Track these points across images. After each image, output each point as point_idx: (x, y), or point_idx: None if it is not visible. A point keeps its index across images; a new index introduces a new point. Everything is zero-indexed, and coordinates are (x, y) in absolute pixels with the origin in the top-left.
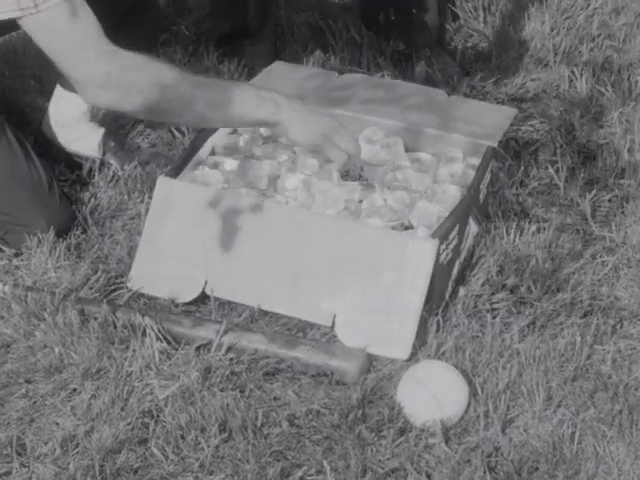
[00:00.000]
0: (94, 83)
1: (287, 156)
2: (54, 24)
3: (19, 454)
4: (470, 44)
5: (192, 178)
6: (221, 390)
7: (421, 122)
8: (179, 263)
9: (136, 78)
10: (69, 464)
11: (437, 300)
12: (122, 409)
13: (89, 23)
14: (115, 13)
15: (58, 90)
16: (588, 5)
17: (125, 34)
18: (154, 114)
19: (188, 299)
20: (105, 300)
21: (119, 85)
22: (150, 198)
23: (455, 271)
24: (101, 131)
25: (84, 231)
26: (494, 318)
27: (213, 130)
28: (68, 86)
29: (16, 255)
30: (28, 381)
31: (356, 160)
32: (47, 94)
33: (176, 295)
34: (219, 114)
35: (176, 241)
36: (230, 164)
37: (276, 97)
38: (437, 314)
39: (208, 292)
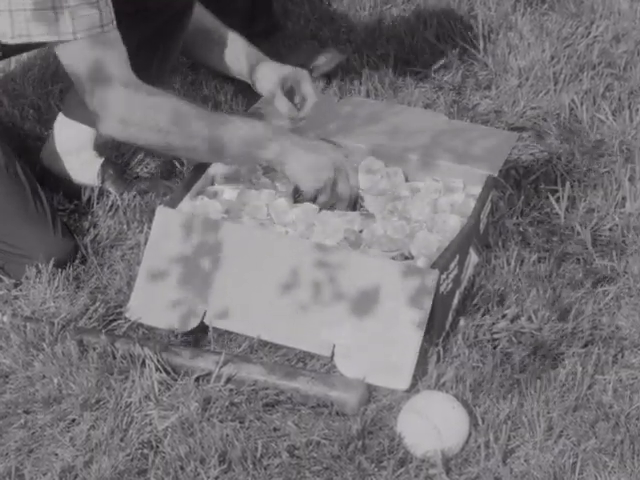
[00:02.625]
0: (115, 117)
1: (286, 187)
2: (87, 53)
3: None
4: (470, 72)
5: (191, 208)
6: (221, 421)
7: (421, 151)
8: (178, 293)
9: (156, 117)
10: None
11: (437, 330)
12: (121, 440)
13: (120, 56)
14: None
15: (60, 118)
16: (589, 33)
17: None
18: (168, 151)
19: (187, 330)
20: (104, 330)
21: (139, 122)
22: (149, 228)
23: (455, 301)
24: (101, 160)
25: (83, 261)
26: (495, 348)
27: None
28: (71, 114)
29: (15, 285)
30: (27, 412)
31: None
32: (46, 123)
33: (175, 325)
34: (229, 153)
35: (175, 271)
36: (229, 194)
37: (282, 140)
38: (437, 344)
39: (207, 323)
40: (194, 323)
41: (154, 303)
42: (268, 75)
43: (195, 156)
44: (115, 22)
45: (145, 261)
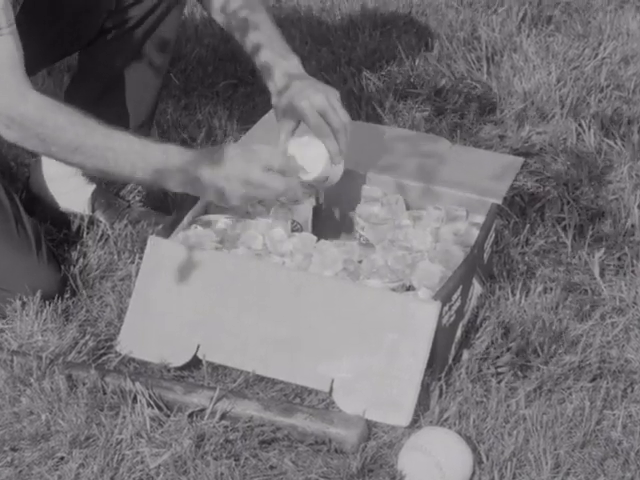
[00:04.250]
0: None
1: (282, 216)
2: None
3: None
4: (473, 96)
5: (184, 238)
6: (215, 459)
7: (423, 177)
8: (170, 326)
9: (37, 130)
10: None
11: (440, 364)
12: (112, 479)
13: (7, 62)
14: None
15: None
16: (596, 55)
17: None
18: (59, 161)
19: (180, 364)
20: (94, 365)
21: (20, 129)
22: (141, 258)
23: (458, 334)
24: (91, 187)
25: (72, 293)
26: (499, 382)
27: None
28: None
29: (1, 317)
30: (14, 449)
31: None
32: None
33: (167, 359)
34: (120, 175)
35: (167, 303)
36: (224, 223)
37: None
38: (440, 378)
39: (201, 356)
40: (187, 357)
41: (146, 336)
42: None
43: (86, 171)
44: (14, 26)
45: (136, 293)
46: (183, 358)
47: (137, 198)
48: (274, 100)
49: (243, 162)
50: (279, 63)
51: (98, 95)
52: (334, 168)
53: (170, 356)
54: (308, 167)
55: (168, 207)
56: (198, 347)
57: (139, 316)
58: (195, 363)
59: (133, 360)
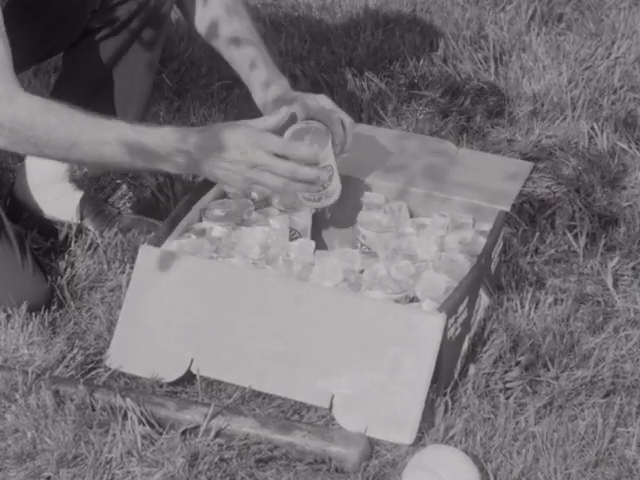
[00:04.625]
0: None
1: (281, 224)
2: None
3: None
4: (480, 98)
5: (178, 247)
6: (209, 478)
7: (427, 183)
8: (163, 339)
9: (28, 134)
10: None
11: (445, 379)
12: None
13: None
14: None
15: None
16: (609, 54)
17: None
18: (54, 159)
19: (173, 379)
20: (82, 380)
21: (11, 134)
22: (132, 268)
23: (465, 347)
24: (79, 194)
25: (60, 304)
26: (507, 398)
27: (200, 194)
28: None
29: None
30: None
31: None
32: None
33: (160, 374)
34: (116, 165)
35: (160, 315)
36: (219, 231)
37: (186, 148)
38: (445, 394)
39: (194, 371)
40: (180, 372)
41: (137, 350)
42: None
43: (87, 166)
44: (3, 29)
45: (127, 304)
46: (176, 373)
47: (128, 205)
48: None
49: (248, 144)
50: (274, 81)
51: (83, 99)
52: (336, 167)
53: (162, 371)
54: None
55: (160, 214)
56: (192, 361)
57: (130, 329)
58: (189, 378)
59: (123, 375)
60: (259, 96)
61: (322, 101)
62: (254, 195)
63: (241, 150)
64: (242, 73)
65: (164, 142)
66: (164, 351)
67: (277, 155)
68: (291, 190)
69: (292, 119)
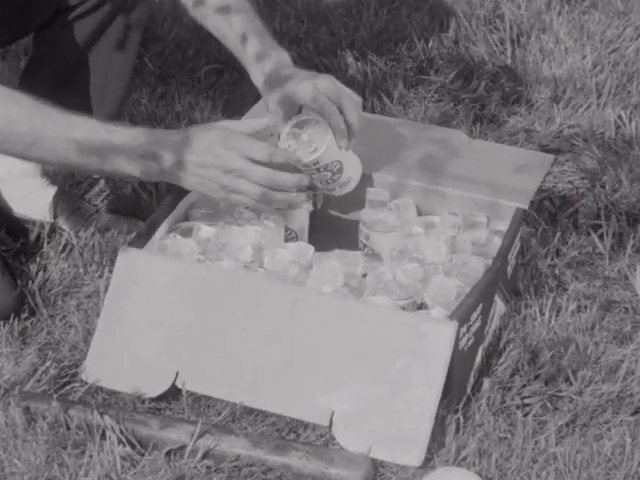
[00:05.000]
0: None
1: (276, 223)
2: None
3: None
4: (496, 83)
5: (161, 248)
6: None
7: (437, 178)
8: (145, 350)
9: None
10: None
11: (457, 394)
12: None
13: None
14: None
15: None
16: (638, 35)
17: None
18: (15, 156)
19: (156, 394)
20: (56, 395)
21: None
22: (110, 272)
23: (478, 359)
24: (52, 190)
25: (31, 312)
26: (526, 416)
27: (187, 191)
28: None
29: None
30: None
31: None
32: None
33: (141, 389)
34: (85, 165)
35: (141, 324)
36: (207, 231)
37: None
38: (457, 411)
39: (180, 385)
40: (164, 386)
41: (116, 362)
42: (302, 85)
43: (48, 166)
44: None
45: (105, 312)
46: (160, 387)
47: (106, 202)
48: (263, 88)
49: (222, 148)
50: (270, 54)
51: (56, 85)
52: (346, 156)
53: (144, 385)
54: (308, 149)
55: (142, 212)
56: (177, 375)
57: (108, 339)
58: (173, 393)
59: (101, 390)
60: (254, 74)
61: (324, 82)
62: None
63: (215, 154)
64: (232, 47)
65: (137, 142)
66: (146, 363)
67: (256, 161)
68: (271, 200)
69: (292, 106)
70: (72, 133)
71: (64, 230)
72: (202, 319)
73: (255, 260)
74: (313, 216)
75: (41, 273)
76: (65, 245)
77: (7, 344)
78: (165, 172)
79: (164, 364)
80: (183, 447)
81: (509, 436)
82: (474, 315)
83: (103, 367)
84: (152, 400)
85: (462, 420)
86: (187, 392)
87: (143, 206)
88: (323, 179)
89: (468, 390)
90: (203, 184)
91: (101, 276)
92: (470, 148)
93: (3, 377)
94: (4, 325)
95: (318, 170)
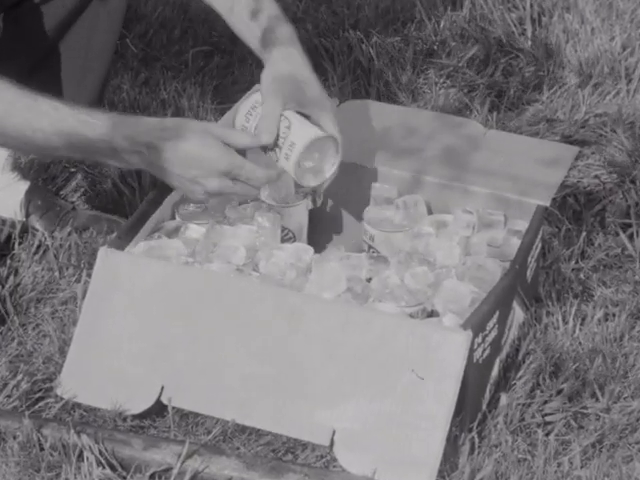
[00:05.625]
0: None
1: (271, 222)
2: None
3: None
4: (514, 68)
5: (145, 250)
6: None
7: (449, 172)
8: (127, 363)
9: None
10: None
11: (471, 411)
12: None
13: None
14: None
15: None
16: None
17: None
18: None
19: (139, 410)
20: (28, 412)
21: None
22: (89, 276)
23: (495, 372)
24: (24, 186)
25: (1, 320)
26: (547, 435)
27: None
28: None
29: None
30: None
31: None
32: None
33: (123, 405)
34: (52, 153)
35: (123, 334)
36: (195, 231)
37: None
38: (471, 429)
39: (165, 401)
40: (148, 402)
41: (95, 376)
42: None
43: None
44: None
45: (83, 320)
46: (143, 404)
47: (83, 198)
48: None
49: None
50: (261, 9)
51: (28, 71)
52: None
53: (126, 401)
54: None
55: (124, 209)
56: (162, 389)
57: (86, 350)
58: (158, 410)
59: (78, 406)
60: (247, 36)
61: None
62: None
63: (194, 166)
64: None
65: (108, 137)
66: (128, 377)
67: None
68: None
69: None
70: (38, 122)
71: (37, 230)
72: (190, 328)
73: (249, 263)
74: (312, 214)
75: (12, 277)
76: (38, 246)
77: None
78: (144, 168)
79: (148, 378)
80: (169, 469)
81: (529, 457)
82: (490, 324)
83: (80, 381)
84: (135, 417)
85: (477, 440)
86: (173, 409)
87: (125, 203)
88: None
89: (484, 407)
90: (184, 186)
91: (78, 280)
92: (486, 139)
93: None
94: None
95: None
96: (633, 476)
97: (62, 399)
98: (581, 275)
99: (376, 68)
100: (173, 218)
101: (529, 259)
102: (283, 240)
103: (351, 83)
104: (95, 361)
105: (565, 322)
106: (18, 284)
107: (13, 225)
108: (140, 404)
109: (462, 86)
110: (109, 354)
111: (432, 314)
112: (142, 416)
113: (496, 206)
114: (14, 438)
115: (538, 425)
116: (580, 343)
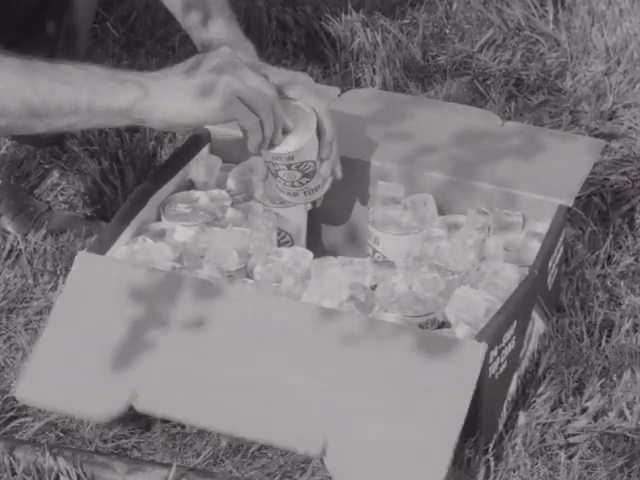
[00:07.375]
0: None
1: (266, 224)
2: None
3: None
4: (534, 54)
5: (128, 254)
6: None
7: (462, 169)
8: (97, 367)
9: None
10: None
11: (486, 430)
12: None
13: None
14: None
15: None
16: None
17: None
18: None
19: (109, 417)
20: None
21: None
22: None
23: (512, 388)
24: None
25: None
26: (570, 458)
27: (159, 184)
28: None
29: None
30: None
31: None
32: None
33: (87, 411)
34: (57, 106)
35: (95, 339)
36: (183, 233)
37: (141, 79)
38: (486, 451)
39: (138, 407)
40: (119, 408)
41: (60, 379)
42: None
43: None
44: None
45: (52, 322)
46: (112, 410)
47: (61, 198)
48: None
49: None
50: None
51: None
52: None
53: (92, 407)
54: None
55: (105, 210)
56: (135, 398)
57: (52, 353)
58: (143, 429)
59: (56, 427)
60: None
61: (296, 91)
62: (231, 185)
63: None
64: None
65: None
66: (96, 381)
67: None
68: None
69: None
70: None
71: (9, 232)
72: (177, 338)
73: (242, 269)
74: (311, 216)
75: None
76: (10, 251)
77: None
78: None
79: (124, 391)
80: None
81: None
82: (507, 335)
83: (43, 384)
84: (117, 438)
85: (493, 463)
86: (161, 429)
87: (106, 202)
88: (290, 178)
89: (500, 426)
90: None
91: (54, 288)
92: (503, 132)
93: None
94: None
95: (289, 167)
96: None
97: (38, 420)
98: (607, 282)
99: (382, 54)
100: (159, 219)
101: (550, 264)
102: (279, 244)
103: (354, 71)
104: (61, 363)
105: (590, 333)
106: None
107: None
108: (109, 410)
109: (477, 74)
110: (77, 357)
111: (443, 325)
112: (125, 438)
113: (514, 206)
114: None
115: (560, 447)
116: (606, 357)
